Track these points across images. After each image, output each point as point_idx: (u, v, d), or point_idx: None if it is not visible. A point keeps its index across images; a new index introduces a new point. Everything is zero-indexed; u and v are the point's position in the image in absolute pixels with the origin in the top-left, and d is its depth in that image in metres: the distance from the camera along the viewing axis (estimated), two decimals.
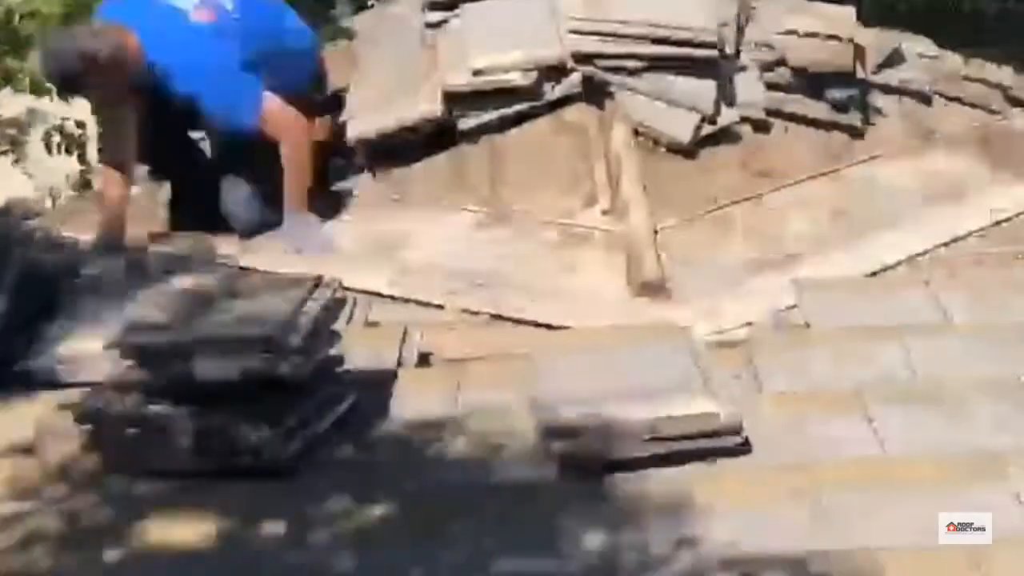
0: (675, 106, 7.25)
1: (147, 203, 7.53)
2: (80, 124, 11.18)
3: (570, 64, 7.26)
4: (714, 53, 7.31)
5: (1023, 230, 6.83)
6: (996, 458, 4.59)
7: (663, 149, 7.20)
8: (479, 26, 7.62)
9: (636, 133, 7.18)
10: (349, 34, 8.48)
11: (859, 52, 7.63)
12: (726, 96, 7.36)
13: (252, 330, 4.87)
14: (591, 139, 7.24)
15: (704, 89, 7.28)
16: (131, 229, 6.97)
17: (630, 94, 7.26)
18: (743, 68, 7.53)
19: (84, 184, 11.22)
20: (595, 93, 7.30)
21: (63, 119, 11.23)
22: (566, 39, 7.33)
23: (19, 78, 10.65)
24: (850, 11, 7.85)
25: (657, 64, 7.28)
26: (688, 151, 7.19)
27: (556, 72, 7.34)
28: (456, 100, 7.30)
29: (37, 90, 10.56)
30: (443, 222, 6.95)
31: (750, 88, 7.48)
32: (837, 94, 7.51)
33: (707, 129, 7.24)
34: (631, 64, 7.26)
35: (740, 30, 7.64)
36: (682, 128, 7.21)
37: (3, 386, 5.52)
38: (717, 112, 7.29)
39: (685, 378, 4.99)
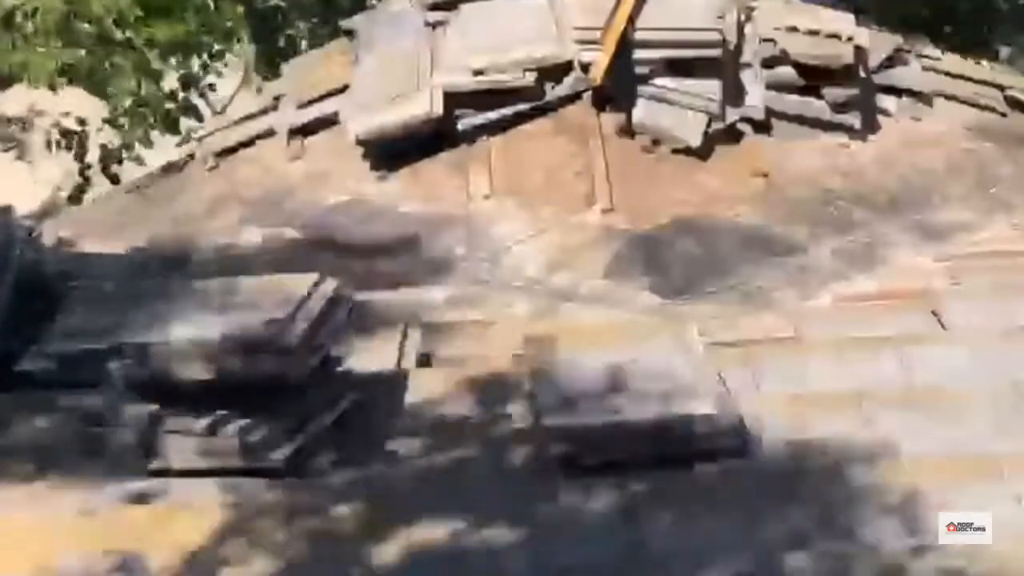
0: (684, 108, 7.27)
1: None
2: (81, 121, 11.17)
3: (574, 66, 7.32)
4: (718, 52, 7.31)
5: None
6: None
7: (667, 150, 7.22)
8: (479, 26, 7.61)
9: (631, 135, 7.23)
10: (350, 34, 8.47)
11: (860, 53, 7.62)
12: (730, 96, 7.37)
13: (252, 330, 4.88)
14: (591, 139, 7.25)
15: (711, 89, 7.29)
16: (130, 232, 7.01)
17: (642, 100, 7.30)
18: (746, 65, 7.52)
19: (83, 185, 11.21)
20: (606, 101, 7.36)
21: (63, 114, 11.22)
22: (573, 49, 7.37)
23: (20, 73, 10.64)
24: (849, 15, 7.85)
25: (663, 67, 7.29)
26: (698, 152, 7.21)
27: (556, 72, 7.36)
28: (457, 100, 7.31)
29: (51, 86, 10.54)
30: None
31: (751, 88, 7.48)
32: (837, 94, 7.51)
33: (714, 126, 7.27)
34: (640, 70, 7.28)
35: (740, 28, 7.64)
36: (691, 131, 7.22)
37: (3, 386, 5.52)
38: (723, 112, 7.31)
39: (686, 378, 5.00)
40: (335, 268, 6.38)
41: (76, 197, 11.18)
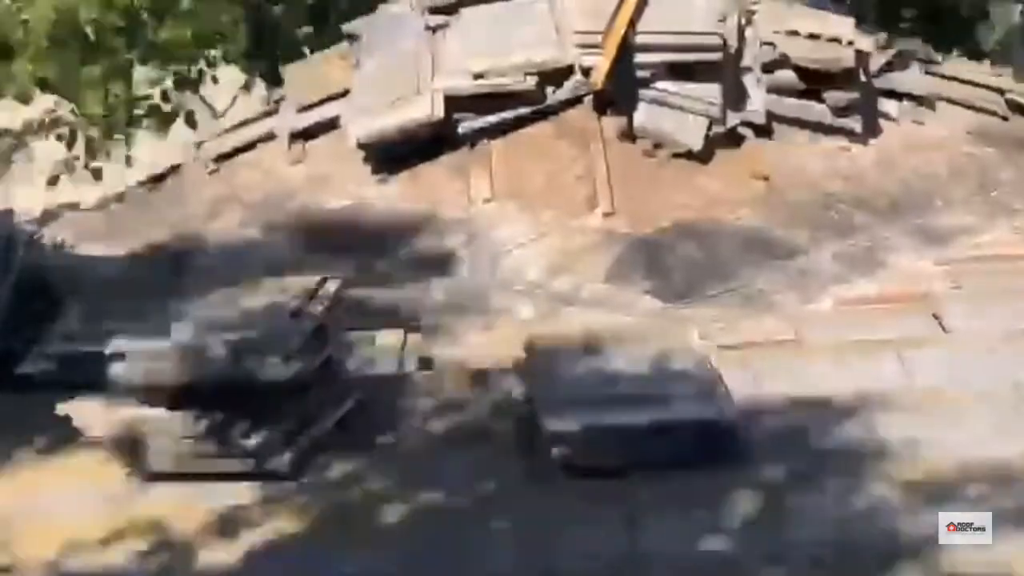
0: (685, 112, 7.28)
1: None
2: (73, 111, 11.13)
3: (574, 70, 7.34)
4: (718, 56, 7.31)
5: None
6: None
7: (668, 154, 7.23)
8: (480, 30, 7.62)
9: (632, 138, 7.25)
10: (350, 38, 8.47)
11: (861, 56, 7.62)
12: (731, 100, 7.37)
13: (252, 333, 4.88)
14: (592, 143, 7.26)
15: (711, 93, 7.29)
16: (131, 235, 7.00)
17: (643, 104, 7.30)
18: (747, 69, 7.53)
19: (67, 169, 11.16)
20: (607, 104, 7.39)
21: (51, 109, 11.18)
22: (573, 53, 7.38)
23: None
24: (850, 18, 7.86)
25: (664, 71, 7.29)
26: (699, 156, 7.21)
27: (557, 76, 7.37)
28: (457, 104, 7.31)
29: (24, 99, 10.53)
30: None
31: (752, 91, 7.48)
32: (838, 98, 7.51)
33: (715, 130, 7.27)
34: (641, 74, 7.29)
35: (741, 32, 7.64)
36: (692, 134, 7.22)
37: (4, 387, 5.52)
38: (724, 116, 7.31)
39: (684, 380, 5.00)
40: (336, 271, 6.41)
41: (55, 179, 11.10)
